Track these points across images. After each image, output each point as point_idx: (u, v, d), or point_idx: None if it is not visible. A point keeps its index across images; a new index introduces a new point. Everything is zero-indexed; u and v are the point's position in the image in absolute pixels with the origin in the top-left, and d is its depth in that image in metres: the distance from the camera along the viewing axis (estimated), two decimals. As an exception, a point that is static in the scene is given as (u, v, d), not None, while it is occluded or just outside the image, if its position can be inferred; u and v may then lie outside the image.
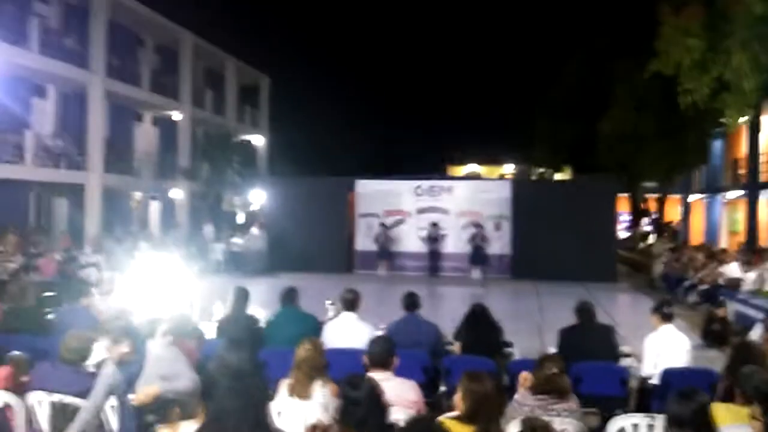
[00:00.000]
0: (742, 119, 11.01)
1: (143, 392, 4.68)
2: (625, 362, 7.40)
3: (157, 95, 27.50)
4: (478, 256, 20.50)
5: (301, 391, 4.83)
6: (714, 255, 17.86)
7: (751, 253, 17.86)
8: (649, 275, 20.39)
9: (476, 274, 20.41)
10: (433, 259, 21.03)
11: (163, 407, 4.82)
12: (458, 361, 6.87)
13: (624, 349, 8.01)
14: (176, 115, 29.33)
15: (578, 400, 5.07)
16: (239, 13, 34.10)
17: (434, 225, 21.08)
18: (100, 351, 5.50)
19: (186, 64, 29.92)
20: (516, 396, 5.11)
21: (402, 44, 70.79)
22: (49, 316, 7.95)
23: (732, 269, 15.46)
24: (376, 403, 3.81)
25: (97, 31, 23.25)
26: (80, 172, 22.60)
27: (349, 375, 3.95)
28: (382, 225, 21.41)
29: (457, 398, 4.01)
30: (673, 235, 30.69)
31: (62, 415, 5.02)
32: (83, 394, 5.07)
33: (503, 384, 6.75)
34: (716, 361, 7.62)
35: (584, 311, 7.37)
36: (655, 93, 22.49)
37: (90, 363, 5.61)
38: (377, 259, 21.35)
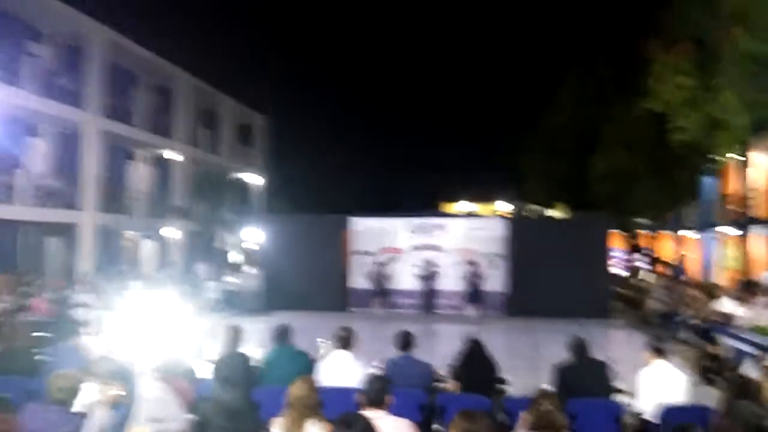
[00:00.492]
0: (731, 155, 11.07)
1: (134, 434, 4.63)
2: (619, 398, 7.37)
3: (152, 134, 27.59)
4: (473, 293, 20.49)
5: (294, 429, 4.79)
6: (707, 290, 17.84)
7: (744, 288, 17.88)
8: (643, 311, 20.36)
9: (472, 311, 20.37)
10: (428, 296, 20.99)
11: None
12: (453, 399, 6.85)
13: (619, 385, 7.99)
14: (171, 154, 29.40)
15: None
16: (234, 54, 34.33)
17: (428, 262, 21.08)
18: (88, 391, 5.46)
19: (181, 104, 30.08)
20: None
21: (395, 84, 71.34)
22: (40, 357, 7.88)
23: (724, 304, 15.44)
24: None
25: (91, 70, 23.41)
26: (73, 212, 22.56)
27: (343, 413, 3.92)
28: (377, 262, 21.40)
29: None
30: (674, 270, 30.75)
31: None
32: (72, 434, 5.03)
33: (498, 421, 6.73)
34: (712, 397, 7.60)
35: (577, 347, 7.35)
36: (645, 130, 22.67)
37: (78, 403, 5.57)
38: (372, 297, 21.30)
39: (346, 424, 3.82)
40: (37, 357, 7.85)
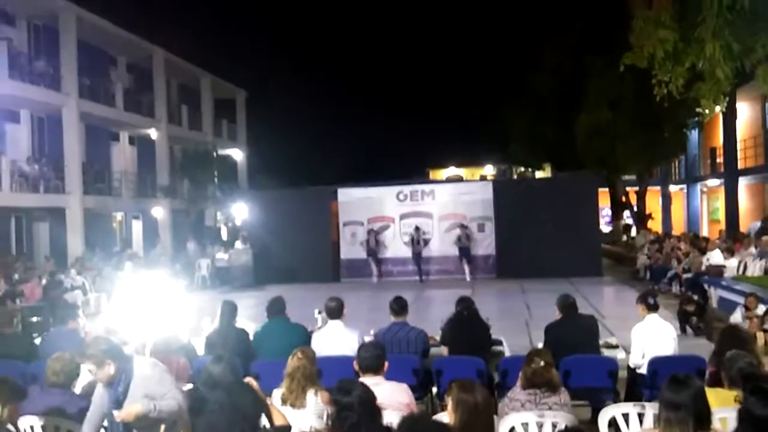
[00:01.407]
0: (717, 108, 11.15)
1: (125, 410, 4.70)
2: (612, 353, 7.48)
3: (133, 114, 27.42)
4: (464, 257, 20.63)
5: (294, 400, 4.87)
6: (696, 244, 18.04)
7: (732, 240, 18.05)
8: (633, 267, 20.57)
9: (463, 275, 20.51)
10: (418, 262, 21.10)
11: (149, 426, 4.83)
12: (449, 362, 6.93)
13: (611, 340, 8.11)
14: (153, 133, 29.27)
15: (569, 393, 5.16)
16: (212, 29, 34.09)
17: (417, 229, 21.16)
18: (87, 373, 5.51)
19: (160, 82, 29.87)
20: (508, 392, 5.19)
21: (377, 51, 70.94)
22: (37, 341, 7.93)
23: (714, 257, 15.62)
24: (369, 407, 3.84)
25: (67, 52, 23.13)
26: (60, 196, 22.49)
27: (339, 381, 3.98)
28: (371, 231, 21.44)
29: (449, 409, 4.05)
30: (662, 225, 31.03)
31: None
32: (73, 415, 5.10)
33: (496, 382, 6.84)
34: (701, 348, 7.73)
35: (566, 305, 7.43)
36: (629, 86, 22.67)
37: (79, 384, 5.62)
38: (368, 266, 21.40)
39: (344, 391, 3.87)
40: (34, 342, 7.90)
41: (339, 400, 3.82)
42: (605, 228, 31.47)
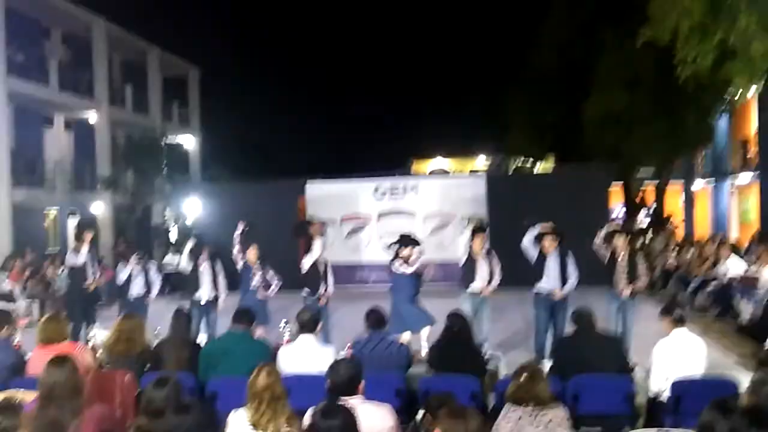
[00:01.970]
0: (751, 91, 11.10)
1: None
2: (631, 374, 7.45)
3: (69, 94, 27.21)
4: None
5: (266, 424, 4.81)
6: (722, 248, 18.06)
7: (765, 244, 18.10)
8: (650, 276, 20.60)
9: (453, 284, 20.45)
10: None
11: None
12: (437, 382, 6.87)
13: (629, 358, 8.08)
14: (92, 117, 29.06)
15: (567, 410, 5.22)
16: (161, -4, 33.85)
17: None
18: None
19: (100, 57, 29.64)
20: (502, 409, 5.20)
21: (353, 21, 70.64)
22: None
23: (742, 264, 15.63)
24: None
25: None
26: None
27: (322, 403, 3.98)
28: (342, 232, 21.39)
29: None
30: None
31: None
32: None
33: (491, 408, 6.79)
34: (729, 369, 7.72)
35: (582, 319, 7.41)
36: (648, 66, 22.72)
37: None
38: (343, 271, 21.34)
39: (327, 414, 3.87)
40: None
41: (321, 425, 3.81)
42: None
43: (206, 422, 4.05)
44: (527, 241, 11.04)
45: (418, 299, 11.53)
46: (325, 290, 11.90)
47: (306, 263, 11.88)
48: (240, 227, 12.60)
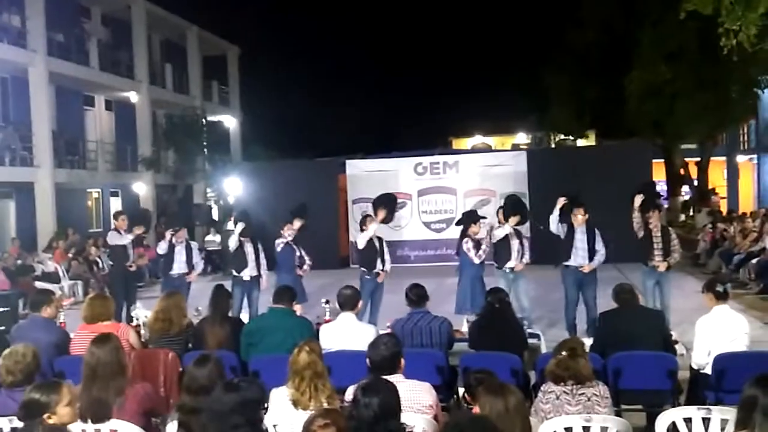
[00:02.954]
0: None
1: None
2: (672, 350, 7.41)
3: (110, 74, 27.40)
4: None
5: (308, 402, 4.86)
6: (764, 223, 17.85)
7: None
8: (693, 252, 20.42)
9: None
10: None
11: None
12: (479, 359, 6.87)
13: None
14: (133, 97, 29.24)
15: (606, 387, 5.21)
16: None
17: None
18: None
19: (140, 36, 29.78)
20: (542, 386, 5.21)
21: (394, 1, 70.28)
22: (7, 334, 8.00)
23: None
24: (390, 409, 3.86)
25: (34, 3, 22.99)
26: (28, 169, 22.59)
27: (365, 380, 4.00)
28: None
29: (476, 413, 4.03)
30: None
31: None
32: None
33: (532, 384, 6.80)
34: None
35: (625, 294, 7.38)
36: (690, 37, 22.40)
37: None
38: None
39: (368, 390, 3.89)
40: (3, 335, 7.97)
41: (362, 400, 3.86)
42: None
43: (259, 397, 4.08)
44: (552, 221, 11.01)
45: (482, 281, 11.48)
46: (383, 268, 11.85)
47: (361, 241, 11.88)
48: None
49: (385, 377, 4.73)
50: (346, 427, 3.61)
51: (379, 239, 12.01)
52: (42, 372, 5.90)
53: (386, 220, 11.85)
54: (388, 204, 11.94)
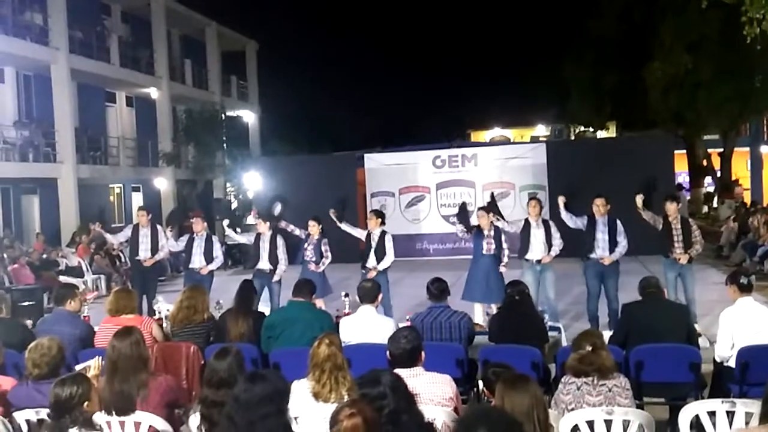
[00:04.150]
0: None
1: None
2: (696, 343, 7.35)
3: (130, 71, 27.54)
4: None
5: (328, 394, 4.86)
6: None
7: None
8: (716, 244, 20.29)
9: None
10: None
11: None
12: (498, 352, 6.85)
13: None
14: (153, 93, 29.38)
15: (627, 379, 5.18)
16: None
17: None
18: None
19: (160, 33, 29.90)
20: (562, 378, 5.18)
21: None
22: (32, 328, 8.08)
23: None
24: (403, 394, 3.85)
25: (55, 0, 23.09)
26: (51, 165, 22.76)
27: (369, 370, 3.99)
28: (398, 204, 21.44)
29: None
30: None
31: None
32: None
33: (552, 378, 6.78)
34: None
35: (650, 286, 7.34)
36: (713, 26, 22.21)
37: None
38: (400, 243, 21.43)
39: (373, 381, 3.88)
40: (28, 328, 8.04)
41: (369, 393, 3.82)
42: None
43: (282, 389, 4.07)
44: (565, 218, 11.01)
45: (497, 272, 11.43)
46: (375, 265, 11.86)
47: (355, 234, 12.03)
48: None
49: (402, 371, 4.72)
50: (373, 417, 3.59)
51: (381, 236, 11.98)
52: (67, 365, 5.95)
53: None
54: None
